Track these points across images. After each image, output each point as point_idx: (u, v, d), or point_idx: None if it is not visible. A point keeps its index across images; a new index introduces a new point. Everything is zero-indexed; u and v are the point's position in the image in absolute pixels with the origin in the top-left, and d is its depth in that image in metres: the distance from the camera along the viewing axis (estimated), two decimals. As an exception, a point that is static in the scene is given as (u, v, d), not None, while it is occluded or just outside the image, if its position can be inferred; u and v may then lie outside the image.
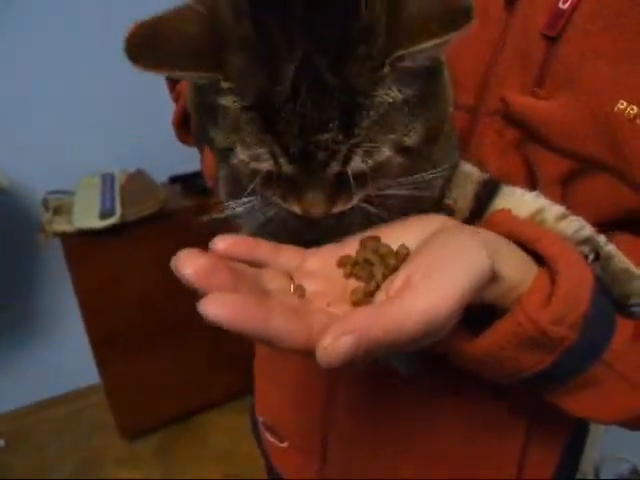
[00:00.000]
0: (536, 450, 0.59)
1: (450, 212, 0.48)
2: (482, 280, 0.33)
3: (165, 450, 2.04)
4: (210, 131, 0.38)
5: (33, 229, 1.75)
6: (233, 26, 0.32)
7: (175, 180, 2.00)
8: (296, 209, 0.38)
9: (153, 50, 0.31)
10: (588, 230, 0.44)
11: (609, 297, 0.42)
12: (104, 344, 1.85)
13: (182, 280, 0.30)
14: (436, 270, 0.32)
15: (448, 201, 0.48)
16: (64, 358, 2.13)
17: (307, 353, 0.30)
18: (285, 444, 0.69)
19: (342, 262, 0.40)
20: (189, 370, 2.03)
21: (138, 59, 0.31)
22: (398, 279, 0.34)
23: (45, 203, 1.73)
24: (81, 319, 1.80)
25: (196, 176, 1.93)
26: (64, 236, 1.67)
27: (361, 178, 0.36)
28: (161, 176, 1.94)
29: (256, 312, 0.29)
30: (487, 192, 0.48)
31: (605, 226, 0.48)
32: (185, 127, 0.70)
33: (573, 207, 0.47)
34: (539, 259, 0.41)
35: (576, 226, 0.44)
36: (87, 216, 1.63)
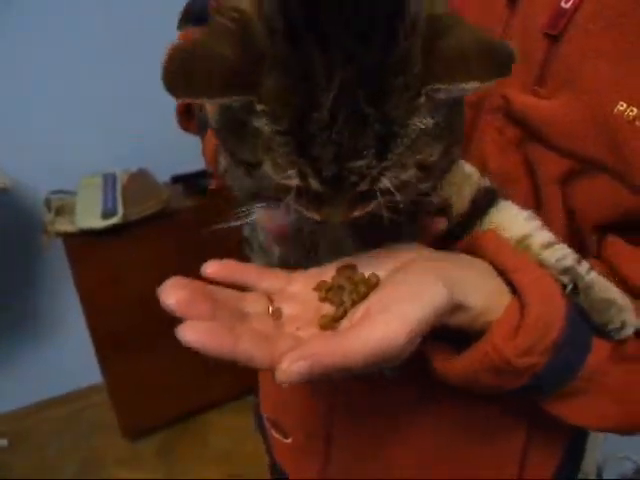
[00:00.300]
0: (537, 450, 0.59)
1: (445, 209, 0.48)
2: (436, 313, 0.36)
3: (167, 450, 2.05)
4: (234, 146, 0.38)
5: (35, 229, 1.75)
6: (267, 44, 0.32)
7: (177, 180, 2.01)
8: (316, 217, 0.38)
9: (189, 78, 0.31)
10: (570, 260, 0.45)
11: (587, 322, 0.44)
12: (106, 344, 1.85)
13: (166, 309, 0.34)
14: (393, 304, 0.36)
15: (444, 195, 0.48)
16: (66, 358, 2.13)
17: (273, 371, 0.34)
18: (289, 440, 0.70)
19: (319, 287, 0.43)
20: (191, 370, 2.03)
21: (175, 90, 0.31)
22: (359, 310, 0.38)
23: (47, 203, 1.73)
24: (83, 319, 1.80)
25: (198, 176, 1.94)
26: (66, 236, 1.67)
27: (384, 192, 0.36)
28: (163, 176, 1.94)
29: (226, 339, 0.33)
30: (485, 201, 0.49)
31: (604, 226, 0.48)
32: (187, 114, 0.70)
33: (573, 206, 0.47)
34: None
35: (559, 255, 0.46)
36: (89, 216, 1.64)
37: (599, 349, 0.44)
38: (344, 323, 0.39)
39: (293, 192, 0.36)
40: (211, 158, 0.61)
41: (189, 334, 0.32)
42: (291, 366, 0.32)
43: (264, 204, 0.43)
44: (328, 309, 0.42)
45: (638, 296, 0.46)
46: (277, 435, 0.72)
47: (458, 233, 0.49)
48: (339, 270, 0.44)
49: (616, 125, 0.42)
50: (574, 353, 0.43)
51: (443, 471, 0.60)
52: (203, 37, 0.33)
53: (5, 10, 1.67)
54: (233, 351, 0.33)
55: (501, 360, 0.41)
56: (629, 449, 1.58)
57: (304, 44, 0.31)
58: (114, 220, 1.63)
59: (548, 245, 0.46)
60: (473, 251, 0.46)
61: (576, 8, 0.43)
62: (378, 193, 0.35)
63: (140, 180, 1.84)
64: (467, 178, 0.49)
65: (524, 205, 0.49)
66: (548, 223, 0.48)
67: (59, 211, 1.70)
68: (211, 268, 0.42)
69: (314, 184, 0.34)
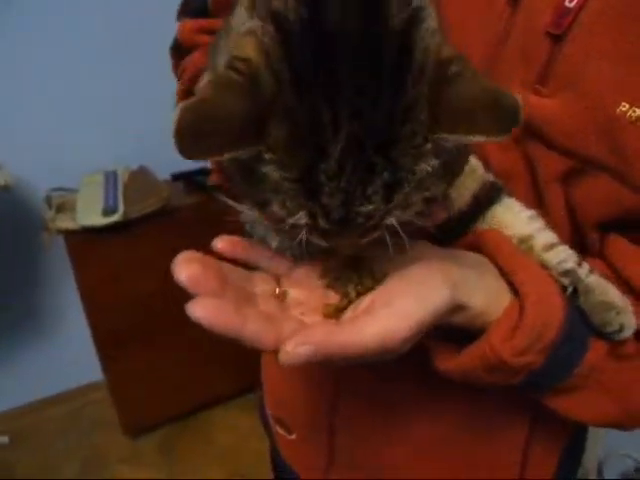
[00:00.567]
0: (538, 449, 0.60)
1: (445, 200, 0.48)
2: (437, 313, 0.37)
3: (169, 447, 2.05)
4: (242, 186, 0.38)
5: (36, 227, 1.75)
6: (275, 92, 0.32)
7: (177, 177, 2.01)
8: (324, 244, 0.38)
9: (198, 139, 0.31)
10: (571, 262, 0.45)
11: (586, 322, 0.44)
12: (107, 341, 1.85)
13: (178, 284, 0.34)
14: (397, 299, 0.37)
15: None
16: (66, 355, 2.13)
17: (276, 353, 0.34)
18: (293, 436, 0.70)
19: (325, 274, 0.44)
20: (193, 367, 2.03)
21: (187, 152, 0.30)
22: (364, 302, 0.39)
23: (48, 201, 1.74)
24: (84, 316, 1.80)
25: (198, 173, 1.93)
26: (67, 233, 1.67)
27: (389, 227, 0.37)
28: (163, 173, 1.94)
29: (234, 318, 0.33)
30: (489, 197, 0.49)
31: (605, 225, 0.48)
32: None
33: (573, 204, 0.47)
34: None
35: (561, 257, 0.46)
36: (90, 213, 1.64)
37: (597, 347, 0.44)
38: (348, 313, 0.40)
39: (304, 229, 0.36)
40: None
41: (199, 310, 0.32)
42: (295, 349, 0.33)
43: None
44: (333, 297, 0.42)
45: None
46: (282, 431, 0.72)
47: (461, 228, 0.49)
48: (347, 261, 0.44)
49: (618, 126, 0.42)
50: (572, 351, 0.44)
51: (444, 470, 0.61)
52: (211, 93, 0.32)
53: (5, 10, 1.67)
54: (240, 331, 0.33)
55: (497, 360, 0.41)
56: (630, 447, 1.59)
57: (310, 95, 0.31)
58: (115, 217, 1.63)
59: (550, 247, 0.46)
60: (475, 249, 0.47)
61: (581, 7, 0.43)
62: (384, 228, 0.36)
63: (141, 178, 1.84)
64: (471, 172, 0.48)
65: (525, 202, 0.48)
66: (549, 220, 0.48)
67: (60, 208, 1.70)
68: (222, 243, 0.42)
69: (322, 224, 0.34)
